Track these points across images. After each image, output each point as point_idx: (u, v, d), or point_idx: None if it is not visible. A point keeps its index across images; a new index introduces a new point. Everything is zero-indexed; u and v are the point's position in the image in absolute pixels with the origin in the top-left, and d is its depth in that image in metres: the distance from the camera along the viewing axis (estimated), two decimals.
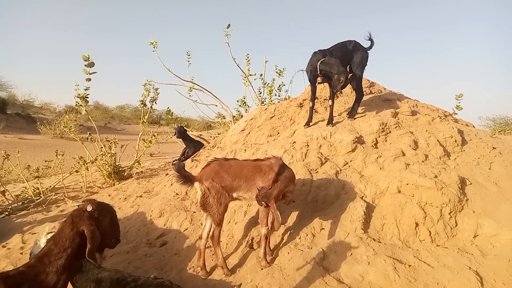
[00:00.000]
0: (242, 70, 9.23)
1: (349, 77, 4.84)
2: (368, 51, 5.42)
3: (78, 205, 2.74)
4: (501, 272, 3.00)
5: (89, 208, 2.62)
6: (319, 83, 5.08)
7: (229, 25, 8.67)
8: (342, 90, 6.26)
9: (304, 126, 5.33)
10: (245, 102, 10.01)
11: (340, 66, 4.84)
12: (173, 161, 8.08)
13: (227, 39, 8.86)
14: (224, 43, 8.92)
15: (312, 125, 5.34)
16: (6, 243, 4.49)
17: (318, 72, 4.96)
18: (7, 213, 5.48)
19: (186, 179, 3.26)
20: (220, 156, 5.43)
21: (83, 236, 2.53)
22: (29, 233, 4.79)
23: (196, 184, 3.30)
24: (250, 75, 9.26)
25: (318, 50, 5.18)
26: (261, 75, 9.45)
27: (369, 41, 5.44)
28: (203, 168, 3.44)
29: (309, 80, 5.30)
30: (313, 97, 5.36)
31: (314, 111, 5.67)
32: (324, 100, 6.37)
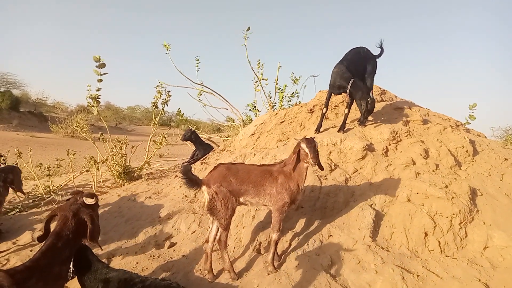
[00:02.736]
0: (256, 74, 9.23)
1: (369, 102, 4.86)
2: (377, 59, 5.40)
3: (68, 198, 2.84)
4: (511, 285, 2.96)
5: (91, 201, 2.75)
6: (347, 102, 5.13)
7: (249, 28, 8.69)
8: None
9: (315, 132, 5.33)
10: (255, 106, 10.03)
11: (364, 92, 4.89)
12: (183, 163, 8.10)
13: (245, 41, 8.88)
14: (242, 45, 8.94)
15: (323, 131, 5.34)
16: (17, 240, 4.54)
17: (347, 93, 5.02)
18: (18, 210, 5.54)
19: (193, 182, 3.26)
20: (229, 160, 5.45)
21: (82, 227, 2.64)
22: (40, 230, 4.84)
23: (204, 188, 3.30)
24: (262, 79, 9.27)
25: (344, 62, 5.18)
26: (276, 79, 9.43)
27: (379, 49, 5.42)
28: (211, 171, 3.44)
29: (331, 90, 5.31)
30: (327, 103, 5.38)
31: (325, 117, 5.68)
32: (335, 106, 6.36)
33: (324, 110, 5.36)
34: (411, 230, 3.61)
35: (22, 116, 25.82)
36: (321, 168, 3.47)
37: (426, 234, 3.55)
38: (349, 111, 5.20)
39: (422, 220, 3.61)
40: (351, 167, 4.57)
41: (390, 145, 4.84)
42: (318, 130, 5.38)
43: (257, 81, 9.35)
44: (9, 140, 16.38)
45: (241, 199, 3.35)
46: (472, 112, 6.43)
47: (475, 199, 3.94)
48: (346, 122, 5.25)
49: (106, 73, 6.46)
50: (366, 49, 5.39)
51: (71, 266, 2.66)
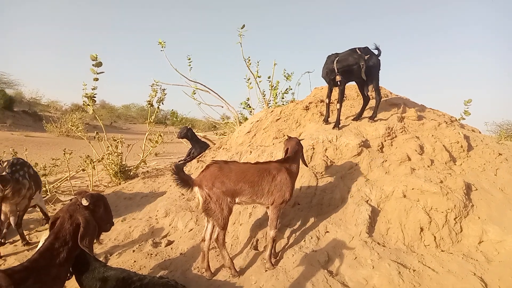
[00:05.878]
0: (251, 72, 9.24)
1: (366, 58, 4.85)
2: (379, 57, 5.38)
3: (71, 199, 2.81)
4: (506, 279, 2.99)
5: (85, 202, 2.69)
6: (339, 81, 5.02)
7: (243, 26, 8.68)
8: (347, 94, 6.25)
9: (323, 122, 5.47)
10: (248, 105, 10.04)
11: (354, 53, 4.88)
12: (179, 161, 8.10)
13: (240, 39, 8.87)
14: (237, 43, 8.94)
15: (319, 127, 5.36)
16: (14, 240, 4.54)
17: (336, 71, 4.96)
18: None
19: (185, 182, 3.15)
20: (225, 158, 5.45)
21: (79, 229, 2.61)
22: (36, 230, 4.84)
23: (196, 189, 3.19)
24: (258, 76, 9.27)
25: (332, 54, 5.20)
26: (268, 77, 9.46)
27: (376, 50, 5.41)
28: (202, 171, 3.31)
29: (327, 83, 5.33)
30: (330, 94, 5.43)
31: (320, 114, 5.70)
32: (330, 103, 6.38)
33: (327, 100, 5.50)
34: (407, 225, 3.63)
35: (16, 116, 25.63)
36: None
37: (421, 229, 3.58)
38: (341, 106, 5.16)
39: (417, 216, 3.64)
40: (347, 163, 4.59)
41: (385, 141, 4.86)
42: (326, 120, 5.51)
43: (249, 79, 9.36)
44: (3, 140, 16.27)
45: (237, 200, 3.26)
46: (467, 108, 6.48)
47: (470, 194, 3.97)
48: (340, 118, 5.25)
49: (103, 72, 6.45)
50: (367, 48, 5.33)
51: None
